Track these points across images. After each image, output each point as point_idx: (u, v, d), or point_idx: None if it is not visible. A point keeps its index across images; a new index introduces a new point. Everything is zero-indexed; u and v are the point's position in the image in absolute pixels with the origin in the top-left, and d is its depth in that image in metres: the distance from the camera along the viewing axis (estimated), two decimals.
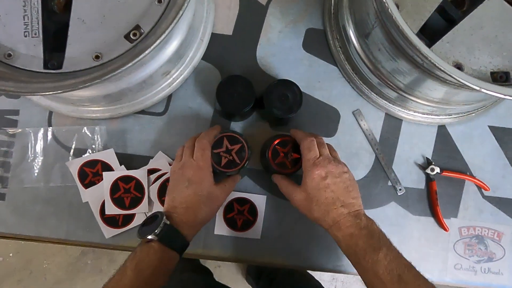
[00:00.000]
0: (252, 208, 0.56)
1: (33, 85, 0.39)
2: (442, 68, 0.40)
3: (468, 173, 0.58)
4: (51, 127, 0.55)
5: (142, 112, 0.56)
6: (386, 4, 0.39)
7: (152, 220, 0.45)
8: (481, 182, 0.58)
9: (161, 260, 0.43)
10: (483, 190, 0.58)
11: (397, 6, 0.44)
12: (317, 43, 0.59)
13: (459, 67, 0.44)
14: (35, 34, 0.43)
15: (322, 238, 0.57)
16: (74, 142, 0.54)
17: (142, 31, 0.44)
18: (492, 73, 0.44)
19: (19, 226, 0.54)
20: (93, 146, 0.54)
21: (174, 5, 0.42)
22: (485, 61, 0.44)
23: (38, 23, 0.43)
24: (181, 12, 0.40)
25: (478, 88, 0.40)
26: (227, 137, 0.53)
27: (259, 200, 0.56)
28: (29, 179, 0.54)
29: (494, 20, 0.44)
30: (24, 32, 0.43)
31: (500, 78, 0.44)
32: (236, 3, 0.59)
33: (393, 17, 0.39)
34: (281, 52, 0.58)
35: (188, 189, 0.47)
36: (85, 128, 0.55)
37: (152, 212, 0.54)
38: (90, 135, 0.54)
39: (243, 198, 0.56)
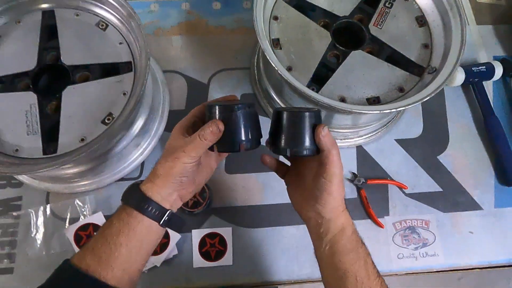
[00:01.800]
0: (221, 240, 0.67)
1: (37, 166, 0.53)
2: (326, 103, 0.57)
3: (388, 178, 0.73)
4: (49, 204, 0.67)
5: (122, 179, 0.70)
6: (277, 68, 0.58)
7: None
8: (400, 183, 0.72)
9: (119, 218, 0.43)
10: (403, 189, 0.72)
11: (290, 68, 0.63)
12: None
13: (343, 99, 0.62)
14: (35, 132, 0.59)
15: (287, 250, 0.67)
16: (68, 213, 0.67)
17: (114, 116, 0.60)
18: (367, 99, 0.62)
19: None
20: (85, 213, 0.67)
21: (134, 96, 0.59)
22: (360, 92, 0.62)
23: (37, 124, 0.59)
24: (138, 98, 0.57)
25: (355, 110, 0.57)
26: None
27: (226, 232, 0.68)
28: (33, 251, 0.65)
29: (360, 64, 0.64)
30: (27, 132, 0.59)
31: (373, 101, 0.62)
32: (185, 85, 0.77)
33: (286, 78, 0.57)
34: None
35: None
36: (76, 200, 0.67)
37: None
38: (81, 205, 0.67)
39: (212, 232, 0.68)
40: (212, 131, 0.43)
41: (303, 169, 0.50)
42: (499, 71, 0.78)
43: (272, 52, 0.61)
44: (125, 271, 0.43)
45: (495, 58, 0.83)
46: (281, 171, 0.54)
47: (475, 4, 0.88)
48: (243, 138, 0.44)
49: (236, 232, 0.68)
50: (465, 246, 0.69)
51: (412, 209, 0.71)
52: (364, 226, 0.69)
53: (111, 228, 0.44)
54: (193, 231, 0.67)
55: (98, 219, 0.66)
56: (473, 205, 0.72)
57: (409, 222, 0.70)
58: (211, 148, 0.45)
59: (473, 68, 0.77)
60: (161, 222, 0.45)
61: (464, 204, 0.72)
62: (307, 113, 0.44)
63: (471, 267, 0.68)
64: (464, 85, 0.80)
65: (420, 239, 0.69)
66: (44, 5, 0.66)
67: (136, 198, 0.44)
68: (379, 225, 0.69)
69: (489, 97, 0.78)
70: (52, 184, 0.68)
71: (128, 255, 0.43)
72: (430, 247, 0.69)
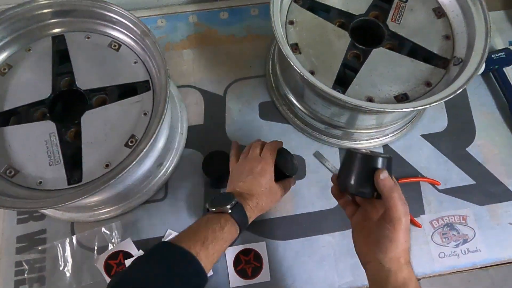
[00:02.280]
0: (256, 255, 0.65)
1: (64, 198, 0.51)
2: (357, 105, 0.55)
3: (419, 176, 0.71)
4: (74, 235, 0.65)
5: (147, 201, 0.68)
6: (302, 74, 0.56)
7: (221, 198, 0.52)
8: (432, 179, 0.70)
9: (229, 230, 0.49)
10: (436, 185, 0.70)
11: (313, 72, 0.61)
12: (270, 111, 0.75)
13: (370, 99, 0.60)
14: (58, 162, 0.57)
15: (325, 259, 0.65)
16: (96, 242, 0.64)
17: (137, 138, 0.58)
18: (395, 97, 0.60)
19: None
20: (113, 240, 0.64)
21: (156, 115, 0.57)
22: (387, 90, 0.61)
23: (58, 153, 0.57)
24: (162, 118, 0.55)
25: (384, 110, 0.55)
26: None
27: (260, 247, 0.65)
28: (63, 285, 0.62)
29: (382, 62, 0.62)
30: (49, 162, 0.56)
31: (401, 98, 0.60)
32: (201, 99, 0.76)
33: (310, 81, 0.56)
34: (244, 125, 0.74)
35: (253, 180, 0.54)
36: (103, 228, 0.65)
37: None
38: (108, 233, 0.65)
39: (246, 249, 0.65)
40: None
41: (371, 212, 0.49)
42: None
43: (294, 56, 0.59)
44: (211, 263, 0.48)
45: (511, 43, 0.81)
46: (350, 210, 0.52)
47: None
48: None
49: (271, 245, 0.66)
50: (507, 238, 0.67)
51: (447, 205, 0.69)
52: None
53: (222, 234, 0.49)
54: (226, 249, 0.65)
55: (127, 246, 0.64)
56: (509, 195, 0.70)
57: (446, 219, 0.68)
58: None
59: (492, 55, 0.76)
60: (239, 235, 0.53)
61: (499, 195, 0.70)
62: (380, 158, 0.46)
63: None
64: (484, 74, 0.78)
65: (460, 235, 0.67)
66: (54, 30, 0.64)
67: (244, 221, 0.52)
68: (417, 225, 0.67)
69: (511, 83, 0.76)
70: (76, 213, 0.66)
71: (220, 256, 0.50)
72: (471, 243, 0.67)
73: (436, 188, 0.70)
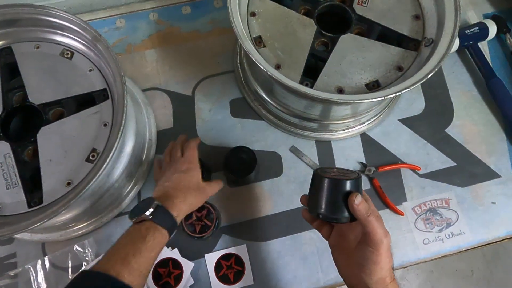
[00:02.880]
0: (238, 260, 0.63)
1: (24, 223, 0.48)
2: (325, 98, 0.52)
3: (399, 162, 0.69)
4: (46, 256, 0.62)
5: (120, 214, 0.65)
6: (267, 71, 0.53)
7: (140, 206, 0.49)
8: (412, 165, 0.68)
9: (154, 237, 0.46)
10: (416, 171, 0.69)
11: (279, 66, 0.58)
12: (242, 108, 0.72)
13: (340, 90, 0.57)
14: (15, 184, 0.53)
15: (308, 256, 0.63)
16: (69, 262, 0.62)
17: (98, 151, 0.55)
18: (366, 85, 0.58)
19: None
20: (87, 258, 0.62)
21: (116, 126, 0.53)
22: (358, 78, 0.58)
23: (15, 175, 0.53)
24: (121, 128, 0.51)
25: (354, 101, 0.52)
26: None
27: (241, 250, 0.63)
28: None
29: (351, 48, 0.59)
30: (6, 185, 0.53)
31: (373, 86, 0.57)
32: (169, 101, 0.72)
33: (277, 79, 0.52)
34: (216, 125, 0.71)
35: (178, 177, 0.53)
36: (75, 246, 0.62)
37: None
38: (81, 250, 0.62)
39: (227, 253, 0.63)
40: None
41: (348, 232, 0.47)
42: (493, 29, 0.74)
43: (257, 52, 0.55)
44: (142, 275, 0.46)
45: (485, 17, 0.79)
46: (326, 231, 0.50)
47: None
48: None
49: (252, 248, 0.64)
50: (490, 218, 0.66)
51: (429, 190, 0.67)
52: (383, 217, 0.65)
53: (145, 244, 0.46)
54: (206, 255, 0.63)
55: None
56: (491, 174, 0.68)
57: (428, 204, 0.67)
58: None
59: (466, 31, 0.73)
60: (171, 235, 0.49)
61: (481, 174, 0.68)
62: (348, 182, 0.44)
63: (500, 239, 0.65)
64: (459, 50, 0.76)
65: (443, 219, 0.66)
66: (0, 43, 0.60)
67: (170, 222, 0.49)
68: (399, 213, 0.65)
69: (486, 59, 0.74)
70: (46, 234, 0.63)
71: (151, 264, 0.47)
72: (454, 226, 0.65)
73: (417, 174, 0.68)
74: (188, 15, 0.78)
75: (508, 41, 0.76)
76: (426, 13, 0.61)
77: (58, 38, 0.60)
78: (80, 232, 0.63)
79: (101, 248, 0.63)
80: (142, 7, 0.78)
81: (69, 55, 0.60)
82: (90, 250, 0.62)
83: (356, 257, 0.44)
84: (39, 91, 0.58)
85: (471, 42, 0.74)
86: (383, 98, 0.51)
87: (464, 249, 0.65)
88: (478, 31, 0.73)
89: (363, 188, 0.66)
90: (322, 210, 0.45)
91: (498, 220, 0.66)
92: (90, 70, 0.59)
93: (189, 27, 0.77)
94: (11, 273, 0.61)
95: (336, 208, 0.44)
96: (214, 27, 0.77)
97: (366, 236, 0.42)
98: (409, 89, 0.52)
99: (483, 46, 0.76)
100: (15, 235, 0.62)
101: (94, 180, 0.50)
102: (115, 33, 0.76)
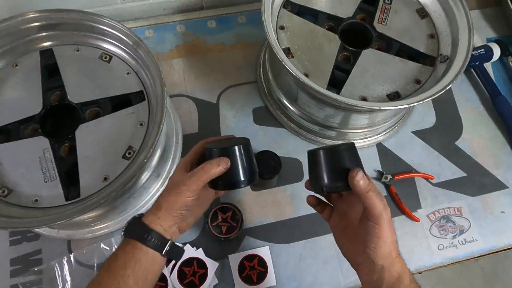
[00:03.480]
0: (260, 261, 0.64)
1: (66, 213, 0.49)
2: (353, 104, 0.56)
3: (413, 171, 0.72)
4: (72, 253, 0.63)
5: None
6: (298, 77, 0.57)
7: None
8: (426, 174, 0.72)
9: (125, 251, 0.44)
10: (430, 180, 0.72)
11: (306, 75, 0.62)
12: (264, 116, 0.75)
13: (364, 99, 0.61)
14: (53, 178, 0.55)
15: (329, 260, 0.65)
16: (95, 259, 0.62)
17: (134, 149, 0.57)
18: (387, 95, 0.62)
19: None
20: None
21: (154, 124, 0.56)
22: (379, 89, 0.62)
23: (53, 170, 0.55)
24: (161, 127, 0.54)
25: (379, 108, 0.56)
26: (219, 209, 0.64)
27: (264, 251, 0.65)
28: None
29: (373, 62, 0.64)
30: (44, 179, 0.55)
31: (393, 96, 0.62)
32: (194, 108, 0.75)
33: (306, 83, 0.56)
34: (239, 131, 0.74)
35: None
36: (102, 244, 0.63)
37: None
38: (108, 248, 0.63)
39: (250, 254, 0.65)
40: (218, 169, 0.45)
41: (348, 211, 0.48)
42: (497, 52, 0.80)
43: (288, 60, 0.60)
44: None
45: (488, 40, 0.85)
46: (327, 213, 0.51)
47: None
48: (242, 177, 0.47)
49: (274, 250, 0.65)
50: (501, 226, 0.69)
51: (442, 198, 0.71)
52: (399, 223, 0.69)
53: (117, 262, 0.44)
54: (230, 256, 0.64)
55: None
56: (499, 185, 0.72)
57: (442, 212, 0.70)
58: (214, 187, 0.47)
59: (472, 53, 0.79)
60: (163, 252, 0.45)
61: (490, 185, 0.72)
62: (341, 148, 0.45)
63: (510, 246, 0.68)
64: (466, 70, 0.81)
65: (456, 226, 0.69)
66: (42, 45, 0.63)
67: (139, 230, 0.45)
68: (414, 219, 0.68)
69: (491, 78, 0.80)
70: (73, 231, 0.64)
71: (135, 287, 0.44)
72: (467, 234, 0.68)
73: (430, 183, 0.72)
74: (214, 29, 0.83)
75: (510, 63, 0.82)
76: (440, 33, 0.67)
77: (99, 42, 0.63)
78: (106, 230, 0.64)
79: None
80: (170, 19, 0.83)
81: (107, 59, 0.63)
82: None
83: (359, 234, 0.44)
84: (77, 91, 0.60)
85: (477, 63, 0.80)
86: (406, 106, 0.56)
87: (477, 255, 0.67)
88: (484, 52, 0.79)
89: (383, 194, 0.70)
90: (324, 182, 0.44)
91: (508, 228, 0.69)
92: (128, 73, 0.62)
93: (214, 40, 0.81)
94: (36, 269, 0.62)
95: (334, 177, 0.44)
96: (237, 41, 0.82)
97: (366, 212, 0.43)
98: (429, 99, 0.56)
99: (488, 67, 0.82)
100: (43, 232, 0.63)
101: (134, 175, 0.52)
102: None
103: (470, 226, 0.69)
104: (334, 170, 0.45)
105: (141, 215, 0.47)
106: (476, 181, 0.72)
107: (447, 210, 0.70)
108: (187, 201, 0.46)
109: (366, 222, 0.43)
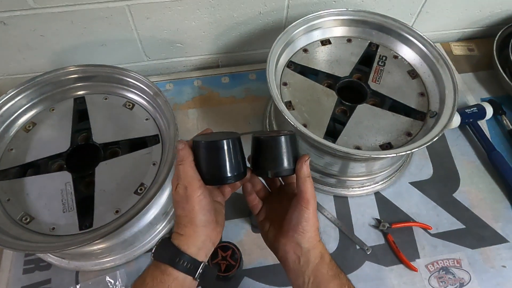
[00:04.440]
0: None
1: (79, 239, 0.54)
2: (347, 151, 0.61)
3: (411, 221, 0.74)
4: (78, 284, 0.66)
5: (151, 249, 0.69)
6: (296, 126, 0.63)
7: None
8: (424, 224, 0.74)
9: (153, 276, 0.43)
10: (428, 230, 0.73)
11: (305, 125, 0.69)
12: None
13: (358, 148, 0.67)
14: (71, 209, 0.61)
15: None
16: None
17: (146, 185, 0.63)
18: (380, 146, 0.67)
19: None
20: None
21: (165, 164, 0.62)
22: (373, 140, 0.67)
23: (72, 201, 0.61)
24: (172, 166, 0.60)
25: (369, 156, 0.61)
26: (219, 248, 0.67)
27: None
28: None
29: (367, 116, 0.70)
30: (63, 209, 0.61)
31: (386, 147, 0.67)
32: None
33: (305, 134, 0.62)
34: None
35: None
36: (107, 276, 0.66)
37: None
38: (112, 281, 0.66)
39: None
40: (179, 149, 0.45)
41: (278, 205, 0.52)
42: (489, 110, 0.85)
43: (288, 112, 0.66)
44: None
45: (482, 100, 0.91)
46: (256, 207, 0.54)
47: (453, 57, 0.99)
48: (228, 173, 0.46)
49: None
50: (502, 281, 0.68)
51: (441, 249, 0.71)
52: (397, 272, 0.69)
53: (143, 287, 0.43)
54: None
55: None
56: (499, 239, 0.73)
57: (441, 263, 0.70)
58: (205, 182, 0.46)
59: (466, 110, 0.85)
60: (195, 276, 0.44)
61: (489, 238, 0.73)
62: (283, 137, 0.48)
63: None
64: (461, 126, 0.86)
65: (456, 279, 0.69)
66: (76, 93, 0.73)
67: (169, 253, 0.44)
68: (413, 268, 0.69)
69: (486, 134, 0.84)
70: (82, 262, 0.67)
71: None
72: (467, 287, 0.68)
73: (429, 233, 0.73)
74: (227, 84, 0.92)
75: (504, 121, 0.87)
76: (429, 91, 0.73)
77: (124, 92, 0.73)
78: (113, 263, 0.68)
79: (130, 280, 0.67)
80: (189, 75, 0.94)
81: (130, 106, 0.72)
82: (120, 282, 0.66)
83: (290, 219, 0.48)
84: (101, 133, 0.68)
85: (471, 120, 0.85)
86: (395, 155, 0.60)
87: None
88: (477, 110, 0.85)
89: (379, 242, 0.72)
90: (275, 166, 0.48)
91: (510, 284, 0.68)
92: (147, 119, 0.70)
93: (226, 93, 0.91)
94: None
95: (286, 160, 0.47)
96: (247, 95, 0.91)
97: (299, 196, 0.46)
98: (417, 149, 0.61)
99: (483, 124, 0.87)
100: (54, 262, 0.67)
101: (143, 208, 0.57)
102: (164, 94, 0.89)
103: (470, 279, 0.69)
104: (285, 155, 0.48)
105: (169, 235, 0.46)
106: (475, 233, 0.73)
107: (446, 262, 0.70)
108: (202, 201, 0.44)
109: (298, 206, 0.46)
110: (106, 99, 0.73)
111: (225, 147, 0.46)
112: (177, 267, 0.43)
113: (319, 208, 0.75)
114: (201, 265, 0.45)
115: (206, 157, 0.46)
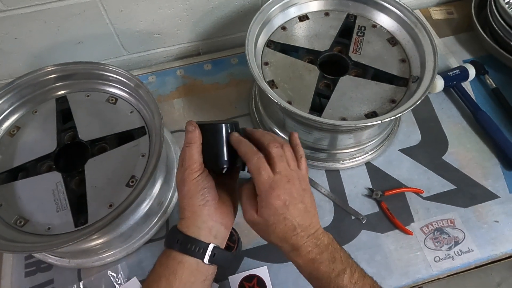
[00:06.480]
0: (259, 281, 0.67)
1: (76, 235, 0.54)
2: (332, 123, 0.62)
3: (403, 187, 0.75)
4: (81, 281, 0.67)
5: (150, 241, 0.71)
6: (282, 105, 0.63)
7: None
8: (415, 188, 0.75)
9: (160, 262, 0.43)
10: (420, 194, 0.75)
11: (290, 102, 0.69)
12: None
13: (344, 119, 0.67)
14: (64, 208, 0.61)
15: None
16: (103, 286, 0.66)
17: (136, 178, 0.63)
18: (365, 115, 0.67)
19: None
20: (119, 282, 0.66)
21: (154, 154, 0.62)
22: (358, 110, 0.68)
23: (65, 200, 0.61)
24: (158, 156, 0.60)
25: (355, 125, 0.61)
26: None
27: (262, 271, 0.67)
28: None
29: (350, 87, 0.70)
30: (57, 209, 0.61)
31: (371, 115, 0.67)
32: None
33: (290, 110, 0.63)
34: None
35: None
36: (109, 271, 0.67)
37: None
38: (114, 275, 0.67)
39: (249, 275, 0.67)
40: (189, 131, 0.45)
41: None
42: (472, 71, 0.85)
43: (271, 90, 0.66)
44: None
45: (465, 62, 0.91)
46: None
47: (433, 21, 0.99)
48: (225, 157, 0.46)
49: (272, 269, 0.68)
50: (496, 235, 0.70)
51: (434, 211, 0.73)
52: (393, 237, 0.70)
53: (153, 274, 0.44)
54: (230, 278, 0.67)
55: (133, 285, 0.65)
56: (490, 195, 0.74)
57: (435, 224, 0.71)
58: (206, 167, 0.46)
59: (449, 73, 0.85)
60: (205, 259, 0.43)
61: (480, 195, 0.74)
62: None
63: (507, 255, 0.68)
64: (445, 90, 0.87)
65: (451, 238, 0.70)
66: (57, 93, 0.72)
67: (173, 237, 0.44)
68: (408, 232, 0.70)
69: (470, 95, 0.85)
70: (82, 260, 0.68)
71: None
72: (462, 244, 0.69)
73: (421, 196, 0.74)
74: (209, 71, 0.92)
75: (488, 81, 0.87)
76: (410, 57, 0.73)
77: (106, 87, 0.72)
78: (113, 257, 0.68)
79: (132, 272, 0.67)
80: (171, 65, 0.93)
81: (113, 101, 0.71)
82: (122, 275, 0.67)
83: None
84: (87, 130, 0.68)
85: (455, 82, 0.85)
86: (380, 122, 0.61)
87: (473, 266, 0.68)
88: (459, 73, 0.85)
89: (373, 211, 0.73)
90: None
91: (503, 237, 0.70)
92: (131, 112, 0.70)
93: (210, 80, 0.90)
94: None
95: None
96: (231, 79, 0.90)
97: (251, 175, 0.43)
98: (400, 114, 0.61)
99: (467, 86, 0.87)
100: (55, 262, 0.68)
101: (135, 200, 0.58)
102: (148, 86, 0.89)
103: (464, 237, 0.70)
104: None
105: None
106: (466, 192, 0.74)
107: (440, 222, 0.72)
108: (198, 181, 0.43)
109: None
110: (88, 96, 0.72)
111: (223, 132, 0.46)
112: (183, 251, 0.42)
113: (312, 183, 0.76)
114: (209, 246, 0.43)
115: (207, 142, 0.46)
